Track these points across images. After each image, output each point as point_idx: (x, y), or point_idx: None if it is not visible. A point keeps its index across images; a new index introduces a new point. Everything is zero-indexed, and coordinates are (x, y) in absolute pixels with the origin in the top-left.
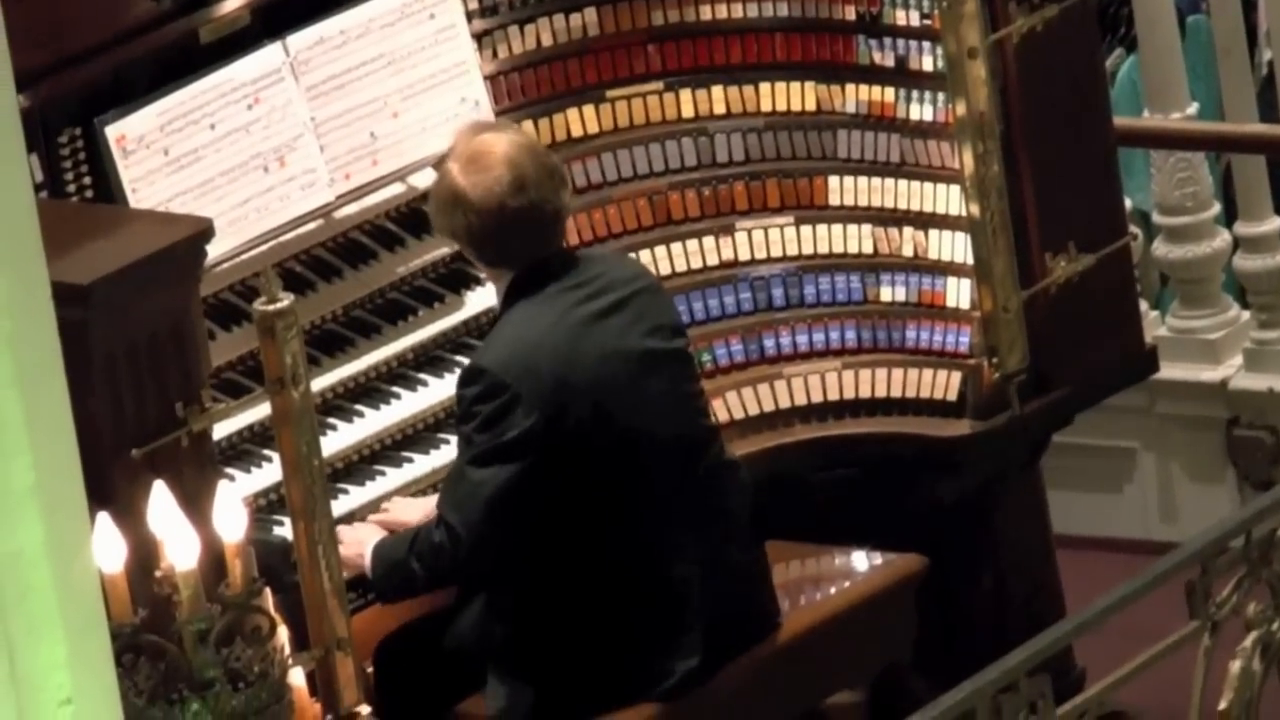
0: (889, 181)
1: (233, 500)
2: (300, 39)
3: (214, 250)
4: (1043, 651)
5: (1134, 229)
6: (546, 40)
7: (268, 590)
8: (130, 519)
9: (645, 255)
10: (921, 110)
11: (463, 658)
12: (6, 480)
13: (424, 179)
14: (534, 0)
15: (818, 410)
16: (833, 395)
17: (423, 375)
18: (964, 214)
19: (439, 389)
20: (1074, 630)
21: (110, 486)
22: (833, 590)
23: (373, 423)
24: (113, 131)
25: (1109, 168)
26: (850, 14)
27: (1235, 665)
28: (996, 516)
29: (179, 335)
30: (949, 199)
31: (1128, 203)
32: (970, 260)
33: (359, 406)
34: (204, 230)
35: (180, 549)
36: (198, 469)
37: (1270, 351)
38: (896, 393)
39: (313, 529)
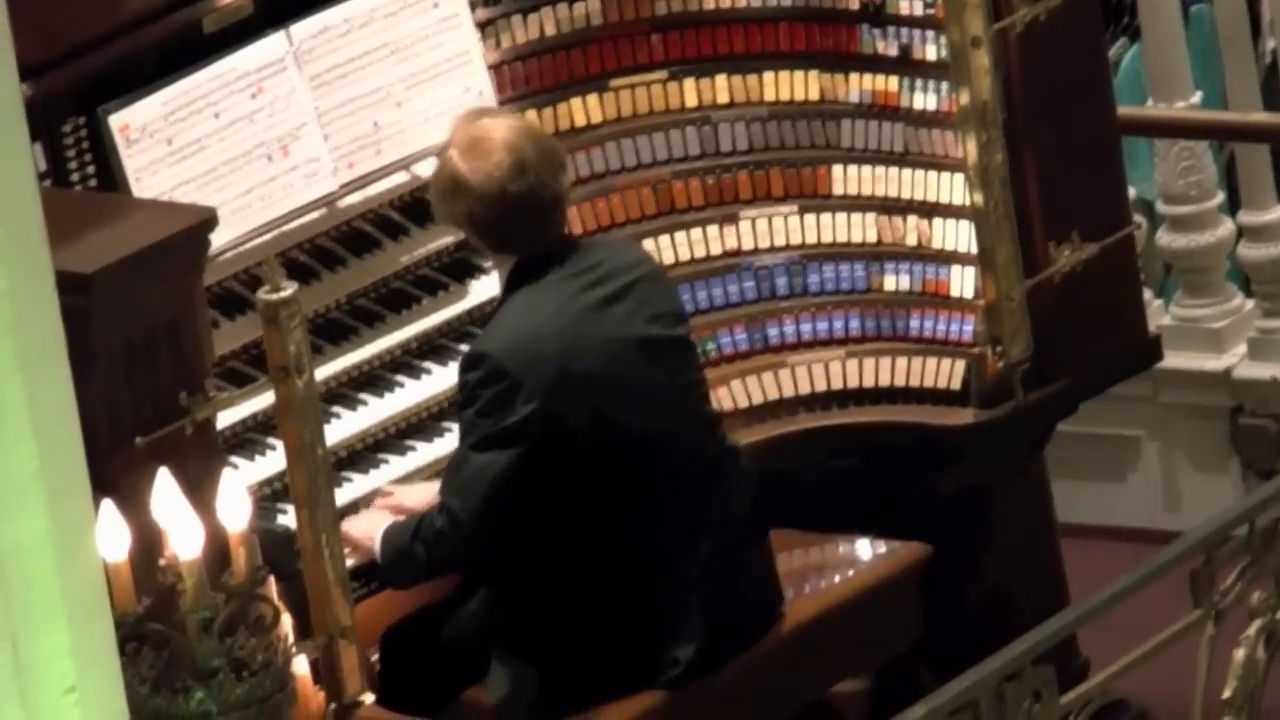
0: (893, 170)
1: (236, 489)
2: (304, 28)
3: (217, 239)
4: (1047, 640)
5: (1138, 218)
6: (550, 29)
7: (271, 579)
8: (134, 508)
9: (649, 244)
10: (925, 99)
11: (466, 645)
12: (9, 468)
13: (427, 168)
14: None
15: (821, 399)
16: (836, 384)
17: (426, 364)
18: (968, 203)
19: (443, 378)
20: (1078, 619)
21: (114, 475)
22: (837, 579)
23: (376, 411)
24: (116, 121)
25: (1113, 157)
26: (854, 3)
27: (1239, 654)
28: (1000, 505)
29: (182, 324)
30: (953, 188)
31: (1131, 192)
32: (974, 249)
33: (363, 395)
34: (207, 219)
35: (184, 538)
36: (202, 458)
37: (1274, 340)
38: (900, 382)
39: (316, 517)
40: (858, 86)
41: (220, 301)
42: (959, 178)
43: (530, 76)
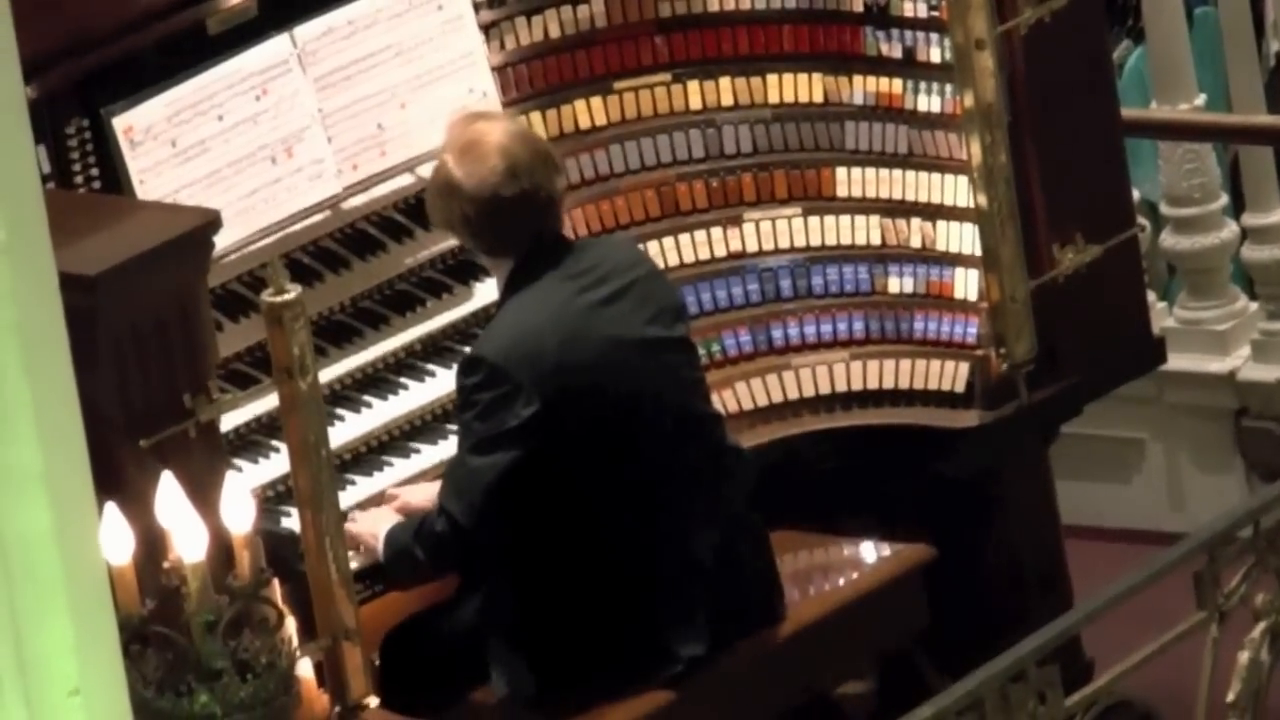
0: (896, 172)
1: (241, 491)
2: (308, 30)
3: (221, 241)
4: (1051, 641)
5: (1142, 220)
6: (554, 31)
7: (275, 581)
8: (138, 509)
9: (653, 246)
10: (929, 101)
11: (467, 645)
12: (13, 469)
13: (431, 170)
14: None
15: (825, 401)
16: (840, 386)
17: (431, 366)
18: (972, 205)
19: (447, 380)
20: (1082, 620)
21: (118, 476)
22: (840, 580)
23: (381, 413)
24: (120, 122)
25: (1116, 158)
26: (858, 5)
27: (1243, 655)
28: (1005, 507)
29: (186, 326)
30: (957, 190)
31: (1135, 193)
32: (978, 251)
33: (367, 397)
34: (211, 221)
35: (188, 540)
36: (206, 459)
37: (1278, 342)
38: (904, 383)
39: (320, 519)
40: (861, 88)
41: (224, 303)
42: (962, 180)
43: (534, 78)
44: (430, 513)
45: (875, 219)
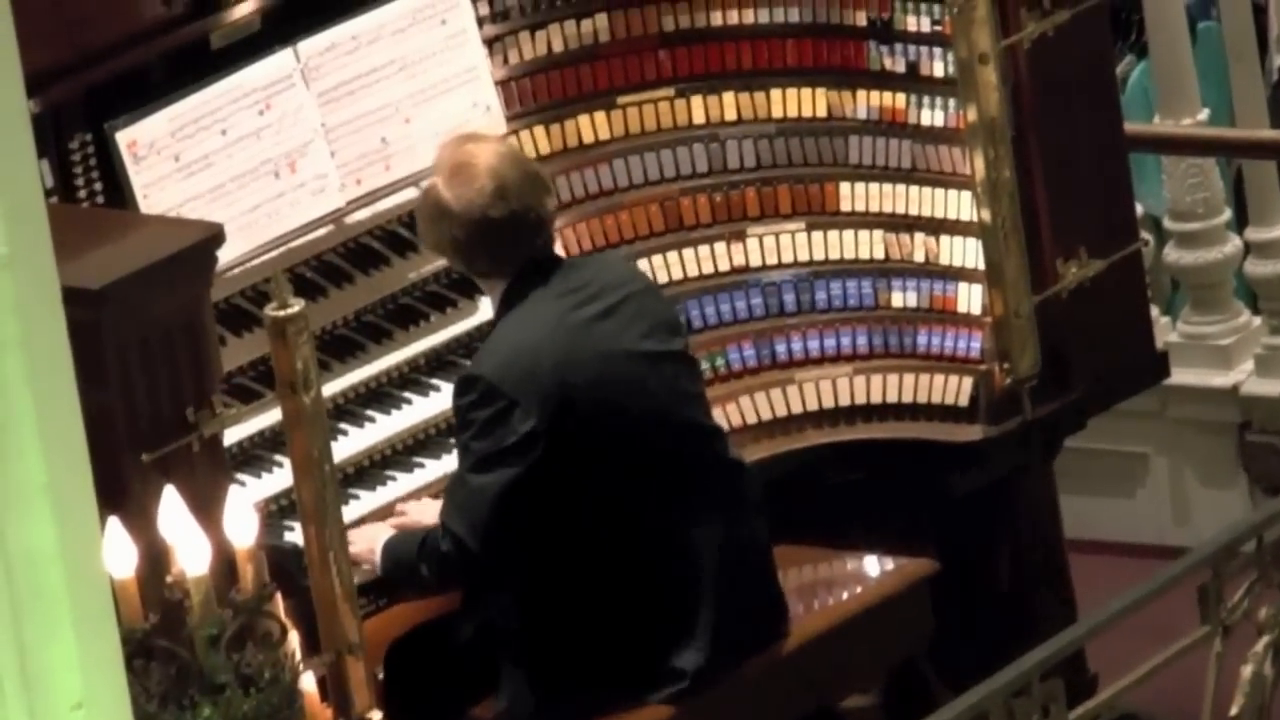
0: (900, 187)
1: (244, 505)
2: (311, 44)
3: (225, 255)
4: (1055, 655)
5: (1145, 234)
6: (558, 46)
7: (279, 595)
8: (141, 524)
9: (657, 261)
10: (933, 115)
11: (471, 659)
12: (18, 482)
13: (421, 193)
14: (545, 6)
15: (829, 415)
16: (844, 400)
17: (434, 380)
18: (975, 219)
19: (450, 394)
20: (1086, 634)
21: (121, 491)
22: (845, 594)
23: (384, 428)
24: (124, 137)
25: (1120, 173)
26: (861, 19)
27: (1247, 670)
28: (1009, 521)
29: (190, 340)
30: (960, 204)
31: (1139, 208)
32: (981, 265)
33: (370, 412)
34: (215, 235)
35: (191, 554)
36: (209, 474)
37: None
38: (908, 398)
39: (324, 534)
40: (865, 103)
41: (227, 318)
42: (966, 194)
43: (538, 92)
44: (433, 530)
45: (879, 233)
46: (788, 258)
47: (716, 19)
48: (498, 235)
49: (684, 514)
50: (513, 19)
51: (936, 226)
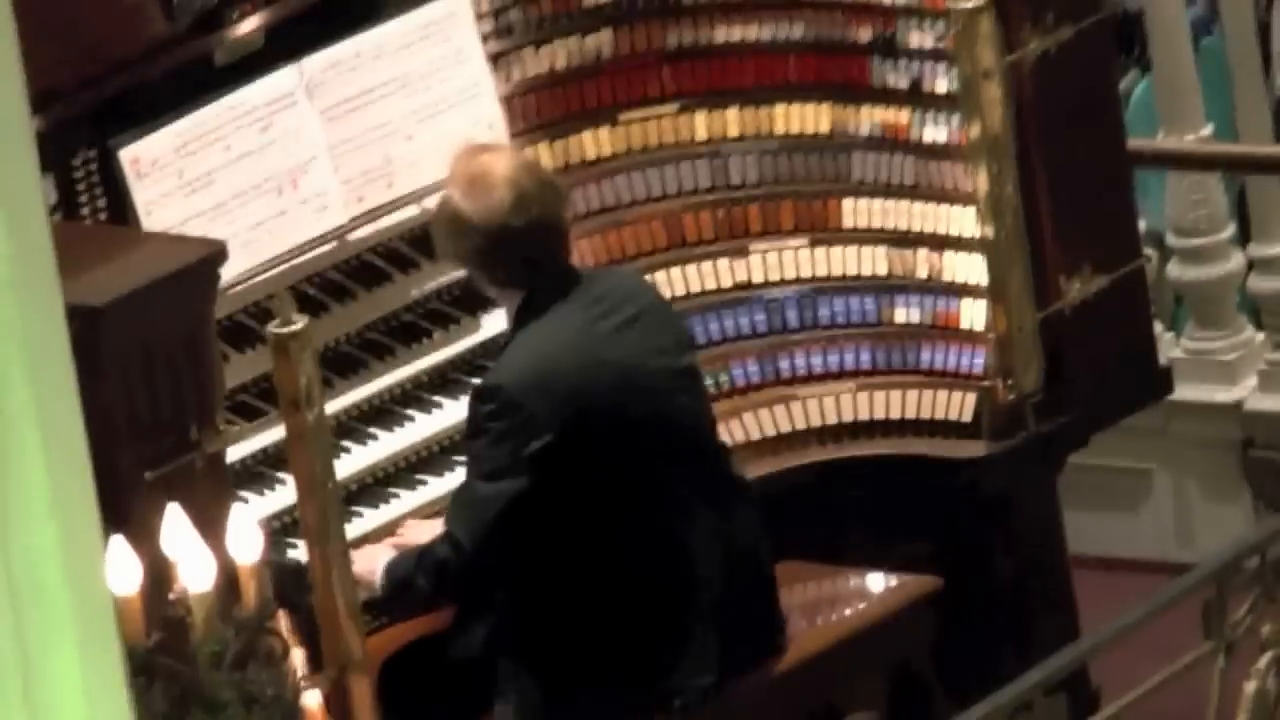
0: (903, 203)
1: (247, 522)
2: (315, 61)
3: (227, 272)
4: (1058, 671)
5: (1148, 250)
6: (561, 62)
7: (282, 612)
8: (144, 541)
9: (660, 277)
10: (936, 132)
11: (472, 673)
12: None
13: (436, 205)
14: (548, 22)
15: (832, 432)
16: (847, 417)
17: (437, 398)
18: (978, 235)
19: (453, 411)
20: (1089, 650)
21: (124, 508)
22: (847, 611)
23: (386, 445)
24: (127, 154)
25: (1124, 189)
26: (865, 36)
27: (1250, 686)
28: (1012, 537)
29: (192, 357)
30: (963, 220)
31: (1142, 224)
32: (984, 282)
33: (373, 429)
34: (217, 252)
35: (194, 571)
36: (212, 491)
37: None
38: (911, 414)
39: (327, 551)
40: (868, 119)
41: (230, 335)
42: (969, 210)
43: (541, 109)
44: (432, 542)
45: (882, 250)
46: (790, 274)
47: (720, 35)
48: (517, 245)
49: (689, 530)
50: (516, 35)
51: (940, 243)
